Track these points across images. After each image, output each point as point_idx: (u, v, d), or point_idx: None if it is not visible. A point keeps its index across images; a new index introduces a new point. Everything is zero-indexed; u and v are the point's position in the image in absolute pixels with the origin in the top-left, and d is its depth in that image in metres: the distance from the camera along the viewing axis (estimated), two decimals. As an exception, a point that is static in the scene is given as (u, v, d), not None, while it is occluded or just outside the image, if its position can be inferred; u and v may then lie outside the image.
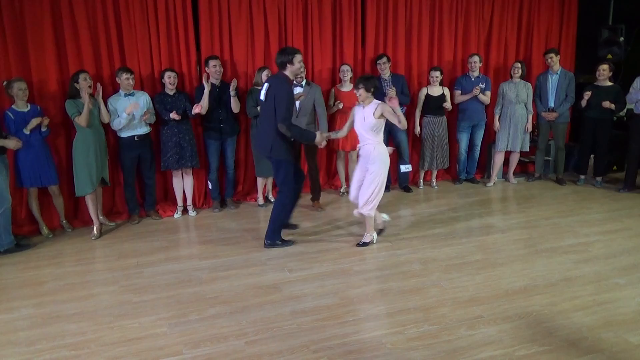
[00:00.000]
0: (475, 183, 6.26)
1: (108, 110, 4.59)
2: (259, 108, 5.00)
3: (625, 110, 6.14)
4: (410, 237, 4.40)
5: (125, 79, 4.61)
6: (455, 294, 3.31)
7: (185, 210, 5.23)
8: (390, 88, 5.48)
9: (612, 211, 5.03)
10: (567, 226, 4.61)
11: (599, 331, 2.83)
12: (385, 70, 5.55)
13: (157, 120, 4.91)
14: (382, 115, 3.89)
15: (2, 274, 3.86)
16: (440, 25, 6.10)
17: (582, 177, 6.12)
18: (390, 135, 5.78)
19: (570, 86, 5.83)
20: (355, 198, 4.12)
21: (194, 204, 5.26)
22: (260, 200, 5.46)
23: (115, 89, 4.78)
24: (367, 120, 3.92)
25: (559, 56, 5.83)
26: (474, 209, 5.22)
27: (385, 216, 4.37)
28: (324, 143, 4.36)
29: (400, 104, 5.62)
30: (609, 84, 5.70)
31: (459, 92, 5.91)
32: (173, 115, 4.68)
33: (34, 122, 4.28)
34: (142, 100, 4.76)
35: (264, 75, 5.05)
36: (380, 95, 5.49)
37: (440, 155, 5.95)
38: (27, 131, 4.26)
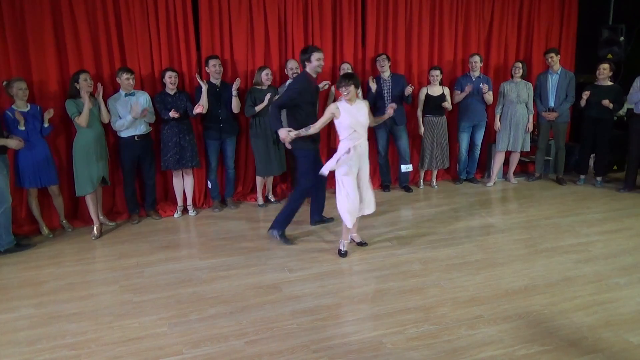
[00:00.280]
0: (475, 183, 6.26)
1: (108, 110, 4.60)
2: (256, 108, 5.02)
3: (625, 110, 6.14)
4: (410, 237, 4.40)
5: (125, 79, 4.61)
6: (455, 294, 3.31)
7: (185, 210, 5.23)
8: (390, 105, 5.32)
9: (613, 211, 5.03)
10: (567, 226, 4.61)
11: (599, 331, 2.83)
12: (385, 68, 5.55)
13: (157, 120, 4.91)
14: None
15: (2, 273, 3.86)
16: (441, 25, 6.10)
17: (582, 177, 6.12)
18: (390, 134, 5.80)
19: (570, 86, 5.83)
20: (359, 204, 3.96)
21: (194, 204, 5.26)
22: (260, 200, 5.46)
23: (116, 88, 4.78)
24: (364, 117, 3.84)
25: (559, 56, 5.83)
26: (474, 208, 5.22)
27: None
28: (287, 139, 3.95)
29: (401, 104, 5.66)
30: (609, 83, 5.69)
31: (459, 92, 5.90)
32: (172, 114, 4.68)
33: (17, 116, 4.23)
34: (142, 99, 4.76)
35: (264, 74, 5.05)
36: (379, 97, 5.52)
37: (440, 155, 5.95)
38: (21, 127, 4.25)
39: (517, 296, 3.26)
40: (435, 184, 6.13)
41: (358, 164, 3.88)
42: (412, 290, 3.38)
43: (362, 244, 4.22)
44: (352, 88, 3.73)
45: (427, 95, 5.78)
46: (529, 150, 6.13)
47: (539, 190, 5.89)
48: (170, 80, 4.80)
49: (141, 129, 4.75)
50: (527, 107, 5.87)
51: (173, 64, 5.08)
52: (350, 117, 3.76)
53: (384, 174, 6.00)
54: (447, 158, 6.02)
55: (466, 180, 6.32)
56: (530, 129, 5.95)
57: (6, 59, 4.48)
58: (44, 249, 4.35)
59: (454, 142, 6.22)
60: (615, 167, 6.51)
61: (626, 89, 5.58)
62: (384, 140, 5.80)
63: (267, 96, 4.98)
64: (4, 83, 4.29)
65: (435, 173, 6.16)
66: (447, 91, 5.84)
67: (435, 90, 5.78)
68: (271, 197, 5.56)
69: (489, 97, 5.83)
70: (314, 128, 3.87)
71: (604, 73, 5.61)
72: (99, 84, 4.52)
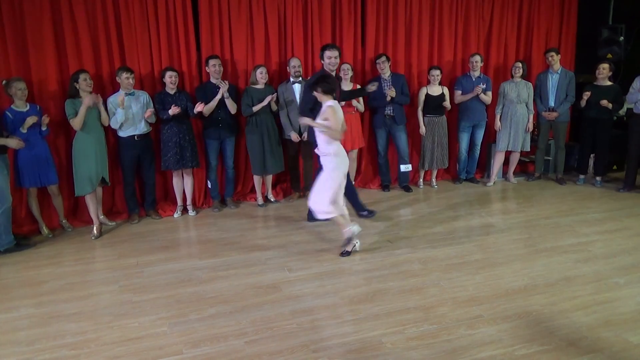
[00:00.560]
0: (475, 183, 6.26)
1: (107, 111, 4.60)
2: (254, 108, 5.02)
3: (625, 109, 6.14)
4: (410, 236, 4.40)
5: (125, 79, 4.60)
6: (455, 294, 3.31)
7: (185, 210, 5.23)
8: (389, 88, 5.49)
9: (612, 211, 5.03)
10: (567, 226, 4.61)
11: (598, 330, 2.83)
12: (385, 70, 5.55)
13: (157, 120, 4.91)
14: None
15: (2, 273, 3.86)
16: (440, 24, 6.10)
17: (582, 176, 6.12)
18: (389, 134, 5.80)
19: (570, 85, 5.83)
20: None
21: (193, 204, 5.26)
22: (260, 200, 5.46)
23: (115, 88, 4.78)
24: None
25: (559, 55, 5.83)
26: (473, 208, 5.22)
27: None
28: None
29: (400, 104, 5.67)
30: (609, 83, 5.69)
31: (460, 92, 5.90)
32: (173, 109, 4.67)
33: (30, 120, 4.26)
34: (142, 99, 4.76)
35: (258, 73, 5.05)
36: (379, 95, 5.52)
37: (440, 154, 5.95)
38: (23, 130, 4.26)
39: (517, 296, 3.26)
40: (435, 184, 6.13)
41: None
42: (412, 290, 3.38)
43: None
44: (319, 93, 3.80)
45: (427, 95, 5.78)
46: (529, 150, 6.13)
47: (538, 190, 5.89)
48: (171, 80, 4.79)
49: (141, 128, 4.75)
50: (527, 107, 5.88)
51: (173, 63, 5.08)
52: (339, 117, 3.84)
53: (384, 173, 6.00)
54: (447, 158, 6.03)
55: (466, 180, 6.32)
56: (531, 128, 5.96)
57: (6, 58, 4.48)
58: (43, 249, 4.35)
59: (454, 142, 6.22)
60: (614, 167, 6.51)
61: (626, 88, 5.59)
62: (384, 140, 5.80)
63: (268, 98, 4.99)
64: (3, 83, 4.29)
65: (435, 173, 6.16)
66: (446, 91, 5.84)
67: (435, 90, 5.78)
68: (271, 197, 5.56)
69: (485, 97, 5.83)
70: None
71: (604, 73, 5.61)
72: (98, 96, 4.50)
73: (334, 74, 4.42)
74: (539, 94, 5.98)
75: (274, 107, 5.19)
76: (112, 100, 4.63)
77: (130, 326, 3.00)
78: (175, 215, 5.14)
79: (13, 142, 4.15)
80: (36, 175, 4.43)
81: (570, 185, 6.04)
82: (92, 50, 4.78)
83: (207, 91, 4.93)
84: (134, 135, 4.73)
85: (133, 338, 2.87)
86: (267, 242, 4.35)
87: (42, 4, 4.52)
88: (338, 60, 4.40)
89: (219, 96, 4.87)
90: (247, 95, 5.06)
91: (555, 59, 5.77)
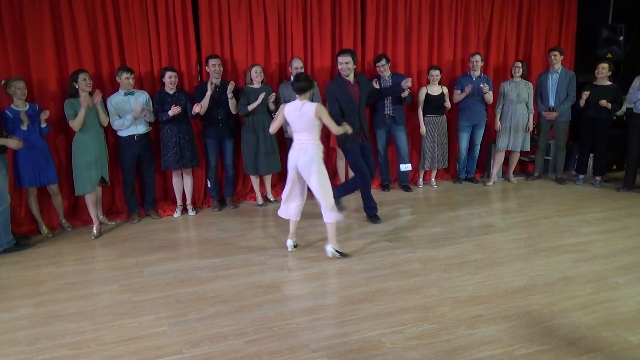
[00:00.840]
0: (475, 182, 6.26)
1: (107, 110, 4.59)
2: (249, 107, 5.02)
3: (625, 109, 6.14)
4: (410, 236, 4.40)
5: (125, 78, 4.60)
6: (454, 293, 3.31)
7: (184, 210, 5.23)
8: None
9: (612, 210, 5.03)
10: (567, 225, 4.61)
11: (598, 330, 2.83)
12: (385, 71, 5.55)
13: (157, 120, 4.90)
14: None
15: (1, 273, 3.86)
16: (440, 24, 6.09)
17: (582, 176, 6.13)
18: (389, 134, 5.80)
19: (571, 85, 5.82)
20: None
21: (193, 204, 5.26)
22: (260, 200, 5.46)
23: (115, 88, 4.78)
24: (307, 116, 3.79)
25: (562, 56, 5.83)
26: (473, 208, 5.22)
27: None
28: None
29: (402, 103, 5.66)
30: (608, 83, 5.69)
31: (459, 91, 5.90)
32: (173, 109, 4.66)
33: (22, 116, 4.24)
34: (142, 99, 4.76)
35: (253, 72, 5.05)
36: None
37: (441, 154, 5.95)
38: (23, 127, 4.25)
39: (517, 295, 3.26)
40: (434, 184, 6.13)
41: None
42: (412, 289, 3.38)
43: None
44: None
45: (427, 95, 5.78)
46: (529, 150, 6.13)
47: (538, 189, 5.89)
48: (170, 80, 4.79)
49: (141, 128, 4.75)
50: (527, 107, 5.88)
51: (173, 63, 5.08)
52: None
53: (384, 173, 6.00)
54: (446, 157, 6.03)
55: (466, 180, 6.32)
56: (531, 128, 5.95)
57: (5, 58, 4.48)
58: (43, 249, 4.35)
59: (454, 142, 6.22)
60: (614, 167, 6.51)
61: (625, 88, 5.59)
62: (384, 139, 5.80)
63: (261, 95, 4.98)
64: (2, 82, 4.29)
65: (434, 172, 6.16)
66: (446, 91, 5.84)
67: (435, 90, 5.78)
68: (271, 197, 5.56)
69: (489, 97, 5.83)
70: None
71: (603, 73, 5.61)
72: (99, 92, 4.50)
73: (350, 78, 4.40)
74: (540, 94, 5.98)
75: (272, 106, 5.18)
76: (114, 101, 4.62)
77: (129, 326, 3.00)
78: (175, 215, 5.14)
79: (13, 143, 4.14)
80: (36, 174, 4.43)
81: (570, 185, 6.04)
82: (92, 50, 4.78)
83: (206, 91, 4.92)
84: (134, 135, 4.73)
85: (133, 338, 2.87)
86: (267, 242, 4.35)
87: (41, 4, 4.51)
88: (350, 66, 4.34)
89: (209, 92, 4.84)
90: (243, 94, 5.06)
91: (557, 59, 5.77)
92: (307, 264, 3.85)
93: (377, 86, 4.93)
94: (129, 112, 4.62)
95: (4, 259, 4.10)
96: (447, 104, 5.83)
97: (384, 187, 6.00)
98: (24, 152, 4.34)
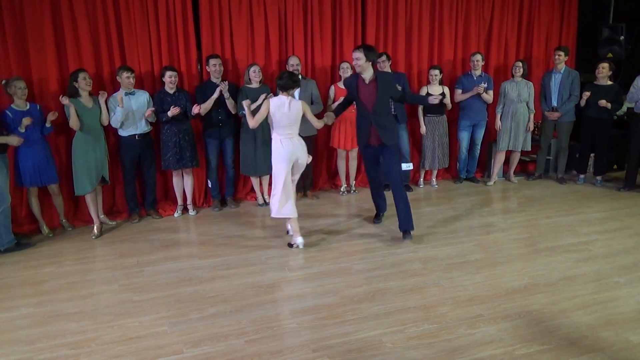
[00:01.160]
0: (475, 182, 6.25)
1: (108, 110, 4.60)
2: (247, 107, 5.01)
3: (625, 109, 6.14)
4: (410, 236, 4.39)
5: (125, 78, 4.60)
6: (455, 293, 3.31)
7: (185, 210, 5.23)
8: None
9: (612, 210, 5.02)
10: (568, 225, 4.61)
11: (599, 330, 2.83)
12: (384, 68, 5.54)
13: (157, 120, 4.90)
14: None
15: (2, 272, 3.86)
16: (441, 24, 6.09)
17: (582, 176, 6.12)
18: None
19: (574, 85, 5.80)
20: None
21: (194, 203, 5.26)
22: (260, 200, 5.46)
23: (116, 87, 4.78)
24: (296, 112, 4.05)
25: (567, 57, 5.81)
26: (474, 208, 5.21)
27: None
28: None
29: (402, 102, 5.65)
30: (609, 83, 5.68)
31: (460, 91, 5.90)
32: (173, 110, 4.65)
33: (25, 121, 4.23)
34: (143, 98, 4.76)
35: (252, 71, 5.04)
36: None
37: (441, 154, 5.95)
38: (21, 129, 4.25)
39: (517, 295, 3.26)
40: (435, 183, 6.13)
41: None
42: (412, 289, 3.38)
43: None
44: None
45: (428, 95, 5.76)
46: (529, 149, 6.13)
47: (539, 189, 5.89)
48: (170, 79, 4.79)
49: (141, 128, 4.75)
50: (527, 107, 5.87)
51: (173, 62, 5.08)
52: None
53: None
54: (447, 157, 6.03)
55: (466, 180, 6.31)
56: (531, 128, 5.95)
57: (6, 57, 4.48)
58: (44, 248, 4.35)
59: (454, 141, 6.22)
60: (615, 167, 6.51)
61: (626, 88, 5.58)
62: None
63: (262, 97, 4.96)
64: (3, 82, 4.29)
65: (435, 172, 6.16)
66: (446, 90, 5.84)
67: (435, 89, 5.78)
68: (267, 198, 5.55)
69: (487, 96, 5.82)
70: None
71: (604, 72, 5.61)
72: (102, 92, 4.51)
73: (365, 77, 4.29)
74: (544, 94, 5.97)
75: None
76: (114, 101, 4.62)
77: (130, 325, 3.00)
78: (176, 215, 5.14)
79: (14, 140, 4.15)
80: (36, 174, 4.43)
81: (570, 185, 6.03)
82: (93, 50, 4.78)
83: (207, 91, 4.92)
84: (135, 135, 4.73)
85: (133, 337, 2.87)
86: (267, 241, 4.35)
87: (42, 4, 4.51)
88: (361, 62, 4.12)
89: (215, 95, 4.84)
90: (241, 94, 5.04)
91: (561, 59, 5.75)
92: (308, 264, 3.85)
93: (436, 101, 4.76)
94: (128, 110, 4.61)
95: (4, 259, 4.10)
96: (448, 103, 5.82)
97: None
98: (25, 151, 4.34)
